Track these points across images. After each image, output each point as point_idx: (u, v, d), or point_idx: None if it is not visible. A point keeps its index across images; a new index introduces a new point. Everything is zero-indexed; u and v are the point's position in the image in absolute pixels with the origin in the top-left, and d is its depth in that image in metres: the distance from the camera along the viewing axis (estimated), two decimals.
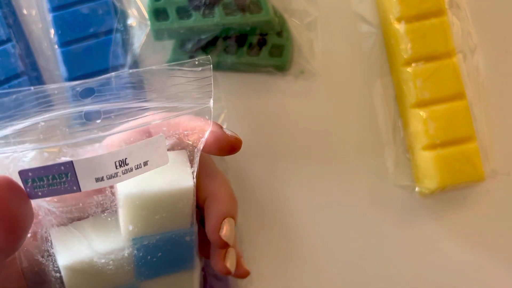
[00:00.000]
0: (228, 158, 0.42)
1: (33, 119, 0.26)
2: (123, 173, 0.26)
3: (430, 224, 0.41)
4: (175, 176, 0.29)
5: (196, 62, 0.29)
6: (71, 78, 0.42)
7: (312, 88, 0.42)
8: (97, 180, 0.25)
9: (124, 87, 0.29)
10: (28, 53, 0.43)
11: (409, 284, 0.41)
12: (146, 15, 0.40)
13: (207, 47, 0.41)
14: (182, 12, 0.39)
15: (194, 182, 0.29)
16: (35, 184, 0.25)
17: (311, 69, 0.42)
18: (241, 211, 0.42)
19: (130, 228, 0.28)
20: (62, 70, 0.42)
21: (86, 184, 0.25)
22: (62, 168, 0.25)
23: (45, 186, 0.25)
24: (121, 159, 0.26)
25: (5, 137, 0.26)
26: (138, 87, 0.29)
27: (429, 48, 0.39)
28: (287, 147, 0.42)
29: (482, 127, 0.40)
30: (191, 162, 0.30)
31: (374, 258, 0.41)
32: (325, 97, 0.42)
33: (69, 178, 0.25)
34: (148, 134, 0.31)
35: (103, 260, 0.28)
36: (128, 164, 0.26)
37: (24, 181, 0.25)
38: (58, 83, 0.28)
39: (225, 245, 0.30)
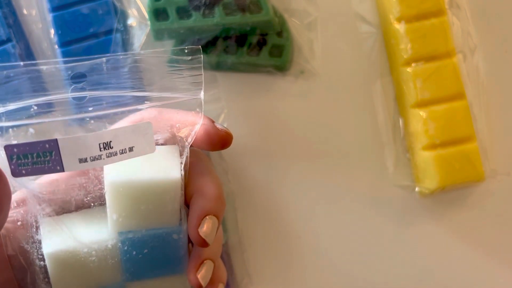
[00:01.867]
0: (228, 158, 0.42)
1: (26, 101, 0.26)
2: (107, 156, 0.26)
3: (430, 224, 0.41)
4: (162, 167, 0.28)
5: (186, 50, 0.29)
6: None
7: (312, 88, 0.42)
8: (81, 161, 0.25)
9: (114, 73, 0.29)
10: (28, 53, 0.43)
11: (409, 283, 0.41)
12: (146, 15, 0.40)
13: (207, 47, 0.41)
14: (182, 12, 0.39)
15: (182, 175, 0.29)
16: (20, 161, 0.25)
17: (311, 69, 0.42)
18: (241, 211, 0.42)
19: (114, 217, 0.28)
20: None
21: (70, 164, 0.25)
22: (47, 145, 0.25)
23: (30, 164, 0.25)
24: (105, 141, 0.26)
25: None
26: (127, 73, 0.29)
27: (429, 48, 0.39)
28: (287, 147, 0.42)
29: (482, 127, 0.40)
30: (181, 155, 0.29)
31: (374, 257, 0.41)
32: (325, 97, 0.42)
33: (53, 157, 0.25)
34: None
35: (85, 250, 0.27)
36: (112, 147, 0.26)
37: (9, 157, 0.25)
38: (48, 62, 0.28)
39: (204, 243, 0.29)
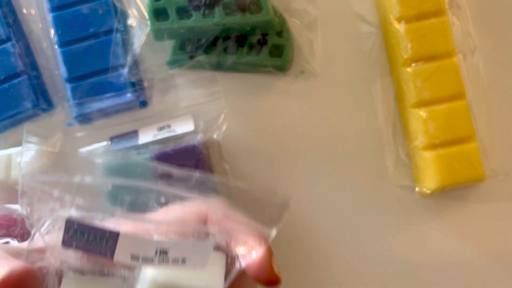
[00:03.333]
0: (228, 158, 0.42)
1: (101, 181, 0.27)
2: (159, 261, 0.26)
3: (430, 224, 0.41)
4: (206, 280, 0.28)
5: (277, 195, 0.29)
6: (71, 77, 0.42)
7: (312, 88, 0.42)
8: (133, 257, 0.26)
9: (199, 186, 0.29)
10: (28, 52, 0.43)
11: (408, 283, 0.41)
12: (146, 15, 0.40)
13: (207, 47, 0.41)
14: (182, 12, 0.39)
15: None
16: (75, 236, 0.25)
17: (311, 69, 0.42)
18: None
19: None
20: (62, 69, 0.42)
21: (121, 256, 0.26)
22: (107, 234, 0.25)
23: (83, 241, 0.25)
24: (163, 248, 0.26)
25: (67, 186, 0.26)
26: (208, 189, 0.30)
27: (429, 48, 0.39)
28: (287, 147, 0.42)
29: (482, 127, 0.40)
30: (228, 272, 0.29)
31: (374, 257, 0.41)
32: (325, 97, 0.42)
33: (108, 245, 0.25)
34: (204, 221, 0.30)
35: None
36: (167, 254, 0.26)
37: (67, 228, 0.25)
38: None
39: None
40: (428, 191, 0.39)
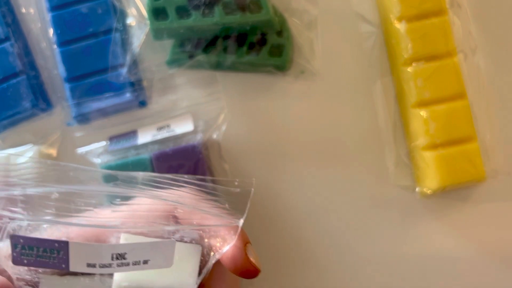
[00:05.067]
0: (228, 157, 0.42)
1: (47, 188, 0.26)
2: (118, 266, 0.26)
3: (431, 224, 0.41)
4: (178, 272, 0.27)
5: (236, 183, 0.29)
6: (70, 77, 0.42)
7: (312, 88, 0.42)
8: (89, 265, 0.25)
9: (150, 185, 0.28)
10: (27, 52, 0.43)
11: (409, 283, 0.41)
12: (145, 15, 0.40)
13: (207, 47, 0.41)
14: (182, 12, 0.39)
15: (197, 283, 0.28)
16: (23, 251, 0.25)
17: (311, 68, 0.42)
18: None
19: None
20: (61, 69, 0.42)
21: (76, 266, 0.25)
22: (56, 245, 0.25)
23: (33, 255, 0.25)
24: (119, 253, 0.25)
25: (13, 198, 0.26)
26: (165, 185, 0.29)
27: (429, 47, 0.39)
28: (287, 147, 0.42)
29: (483, 127, 0.40)
30: (202, 266, 0.28)
31: (375, 258, 0.41)
32: (325, 97, 0.42)
33: (60, 256, 0.25)
34: (172, 217, 0.29)
35: None
36: (126, 259, 0.26)
37: (13, 245, 0.24)
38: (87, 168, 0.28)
39: None
40: (429, 191, 0.39)
